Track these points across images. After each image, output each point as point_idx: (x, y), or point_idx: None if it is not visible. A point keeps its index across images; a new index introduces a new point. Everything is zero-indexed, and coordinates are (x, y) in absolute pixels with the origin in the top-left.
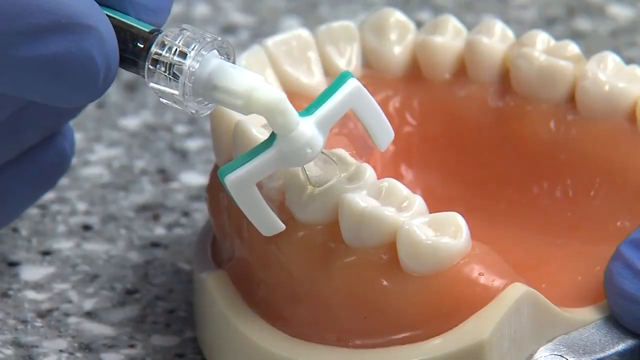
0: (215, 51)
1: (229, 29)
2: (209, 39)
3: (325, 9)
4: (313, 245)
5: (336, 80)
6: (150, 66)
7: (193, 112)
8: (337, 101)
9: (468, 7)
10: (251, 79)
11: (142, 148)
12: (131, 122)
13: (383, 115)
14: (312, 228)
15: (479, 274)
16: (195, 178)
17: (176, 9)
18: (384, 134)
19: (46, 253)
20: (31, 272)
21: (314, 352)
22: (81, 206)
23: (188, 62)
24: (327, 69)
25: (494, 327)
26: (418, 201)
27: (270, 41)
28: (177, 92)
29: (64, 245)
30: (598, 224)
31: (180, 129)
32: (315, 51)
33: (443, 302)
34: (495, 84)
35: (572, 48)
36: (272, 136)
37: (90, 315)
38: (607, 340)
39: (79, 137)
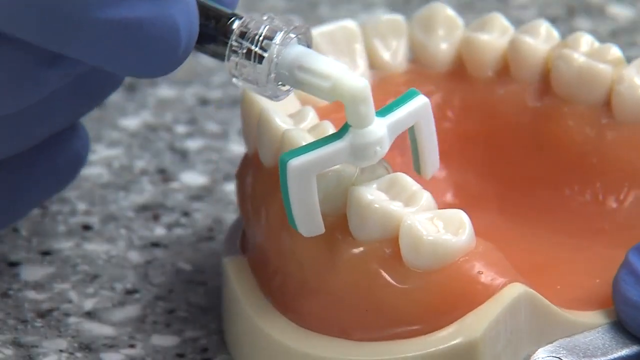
0: (296, 38)
1: None
2: (296, 24)
3: (325, 9)
4: (322, 236)
5: (404, 95)
6: (234, 42)
7: (268, 94)
8: (407, 111)
9: (468, 7)
10: (338, 64)
11: (142, 148)
12: (131, 122)
13: (436, 142)
14: (324, 219)
15: (479, 272)
16: (195, 178)
17: None
18: (432, 160)
19: (46, 253)
20: (31, 272)
21: (317, 343)
22: (81, 206)
23: (276, 41)
24: (373, 61)
25: (488, 325)
26: (425, 196)
27: (315, 31)
28: (261, 70)
29: (64, 245)
30: (623, 230)
31: (180, 129)
32: (362, 43)
33: (441, 299)
34: (536, 83)
35: (614, 51)
36: (344, 128)
37: (90, 315)
38: (611, 345)
39: None
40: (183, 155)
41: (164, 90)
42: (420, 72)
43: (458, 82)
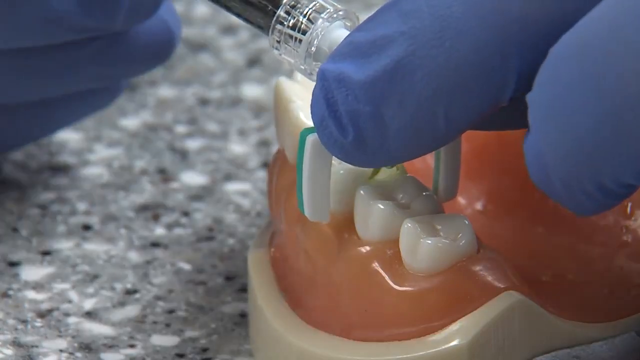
0: (342, 21)
1: (229, 29)
2: (342, 9)
3: None
4: (331, 233)
5: None
6: (283, 13)
7: (304, 68)
8: None
9: None
10: None
11: (142, 148)
12: (131, 122)
13: (459, 166)
14: (333, 216)
15: (476, 278)
16: (195, 178)
17: (176, 8)
18: (452, 185)
19: (46, 253)
20: (31, 272)
21: (315, 340)
22: (81, 206)
23: (323, 17)
24: None
25: (477, 332)
26: (430, 200)
27: None
28: (303, 42)
29: (64, 245)
30: None
31: (180, 129)
32: None
33: (436, 303)
34: None
35: None
36: None
37: (90, 315)
38: (617, 358)
39: (78, 137)
40: (183, 155)
41: (164, 90)
42: None
43: None
